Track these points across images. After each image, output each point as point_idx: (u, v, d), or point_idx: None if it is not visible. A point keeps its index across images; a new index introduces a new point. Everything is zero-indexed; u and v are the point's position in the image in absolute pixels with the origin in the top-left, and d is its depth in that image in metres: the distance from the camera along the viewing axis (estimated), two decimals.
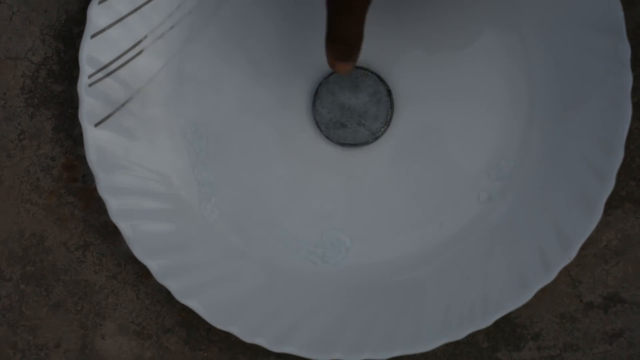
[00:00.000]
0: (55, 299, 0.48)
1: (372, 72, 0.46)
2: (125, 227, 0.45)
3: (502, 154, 0.46)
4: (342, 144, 0.46)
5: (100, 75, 0.44)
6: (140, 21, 0.45)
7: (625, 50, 0.43)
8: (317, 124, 0.46)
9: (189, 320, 0.47)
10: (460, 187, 0.46)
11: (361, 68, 0.46)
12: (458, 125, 0.46)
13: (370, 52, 0.46)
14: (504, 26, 0.45)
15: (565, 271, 0.47)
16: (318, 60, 0.46)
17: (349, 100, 0.46)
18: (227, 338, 0.47)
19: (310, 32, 0.46)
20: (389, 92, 0.46)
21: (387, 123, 0.46)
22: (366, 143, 0.46)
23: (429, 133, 0.46)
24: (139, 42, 0.45)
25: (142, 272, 0.47)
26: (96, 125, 0.45)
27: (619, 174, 0.46)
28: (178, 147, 0.46)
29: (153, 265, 0.45)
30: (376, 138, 0.46)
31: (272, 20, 0.46)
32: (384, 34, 0.46)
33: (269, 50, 0.46)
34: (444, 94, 0.46)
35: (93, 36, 0.44)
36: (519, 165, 0.46)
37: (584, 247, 0.46)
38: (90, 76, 0.44)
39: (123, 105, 0.45)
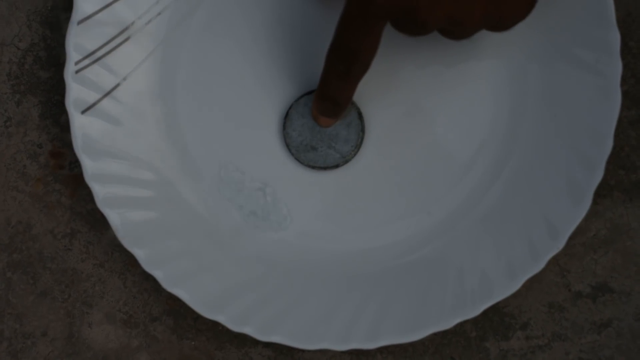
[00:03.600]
0: (42, 287, 0.47)
1: None
2: (112, 215, 0.44)
3: (490, 144, 0.46)
4: (312, 167, 0.46)
5: (87, 62, 0.44)
6: (127, 8, 0.45)
7: (615, 39, 0.43)
8: (288, 147, 0.46)
9: (177, 309, 0.47)
10: (449, 178, 0.46)
11: None
12: (444, 120, 0.46)
13: None
14: None
15: (554, 260, 0.47)
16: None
17: None
18: (215, 327, 0.47)
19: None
20: (360, 115, 0.45)
21: (358, 146, 0.45)
22: (336, 166, 0.46)
23: (412, 126, 0.46)
24: (126, 28, 0.45)
25: (129, 260, 0.47)
26: (83, 112, 0.44)
27: (608, 162, 0.46)
28: (164, 134, 0.46)
29: (140, 253, 0.44)
30: (347, 161, 0.45)
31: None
32: None
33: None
34: (426, 95, 0.46)
35: (80, 22, 0.44)
36: (508, 155, 0.46)
37: (572, 237, 0.46)
38: (77, 63, 0.44)
39: (110, 92, 0.45)
